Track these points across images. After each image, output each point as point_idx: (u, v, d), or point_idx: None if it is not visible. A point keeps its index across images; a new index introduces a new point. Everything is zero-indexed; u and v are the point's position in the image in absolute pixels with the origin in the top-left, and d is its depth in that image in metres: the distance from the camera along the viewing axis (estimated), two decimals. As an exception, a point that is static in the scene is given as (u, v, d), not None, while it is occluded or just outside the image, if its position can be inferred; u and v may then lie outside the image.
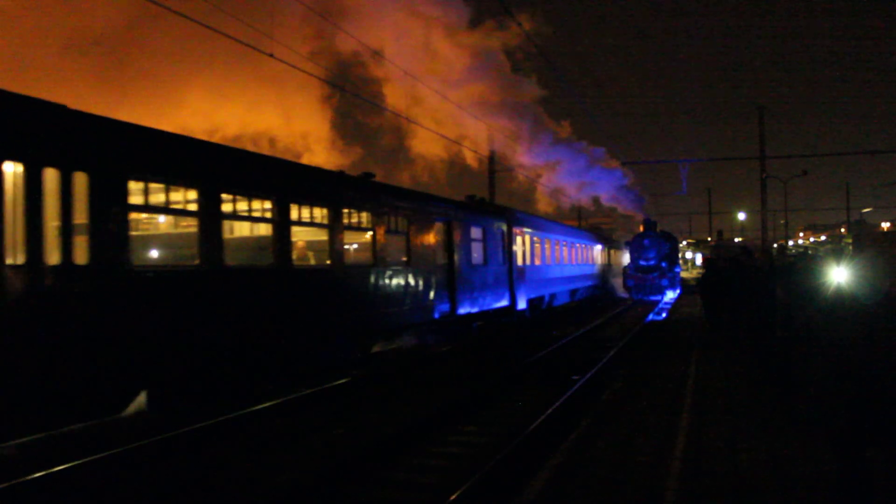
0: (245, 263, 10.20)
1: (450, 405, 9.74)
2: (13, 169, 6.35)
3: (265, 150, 20.58)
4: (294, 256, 10.21)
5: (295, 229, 10.08)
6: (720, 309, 15.71)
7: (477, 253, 16.99)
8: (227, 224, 9.11)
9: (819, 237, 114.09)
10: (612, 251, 41.26)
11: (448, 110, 25.39)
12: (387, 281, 12.37)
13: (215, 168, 8.75)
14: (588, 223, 56.32)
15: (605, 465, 5.91)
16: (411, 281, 13.23)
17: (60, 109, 6.84)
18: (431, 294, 14.05)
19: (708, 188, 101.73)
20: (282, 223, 9.68)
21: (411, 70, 21.56)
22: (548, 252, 24.36)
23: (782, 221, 71.85)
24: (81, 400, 6.80)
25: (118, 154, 7.33)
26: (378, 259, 12.07)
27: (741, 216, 72.99)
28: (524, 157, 33.65)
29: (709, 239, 58.56)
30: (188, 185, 8.37)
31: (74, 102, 7.30)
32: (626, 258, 37.95)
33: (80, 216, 6.77)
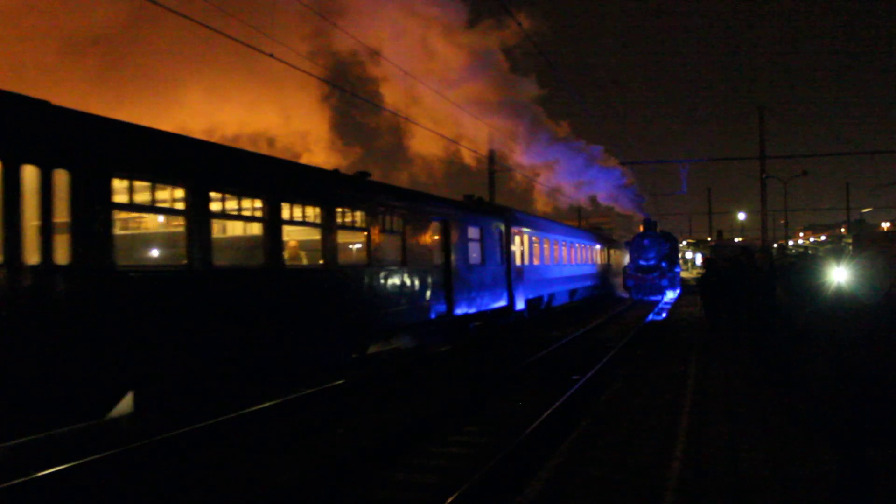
0: (235, 263, 10.07)
1: (450, 405, 9.75)
2: None
3: (265, 151, 20.54)
4: (286, 256, 10.08)
5: (287, 229, 9.95)
6: (720, 309, 15.71)
7: (474, 253, 16.89)
8: (216, 223, 8.95)
9: (819, 237, 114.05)
10: (611, 251, 41.24)
11: (446, 110, 25.39)
12: (382, 281, 12.27)
13: (203, 166, 8.58)
14: (588, 223, 56.30)
15: (605, 466, 5.91)
16: (407, 281, 13.14)
17: (40, 105, 6.68)
18: (428, 294, 13.96)
19: (708, 188, 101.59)
20: (273, 222, 9.53)
21: (409, 69, 21.54)
22: (546, 252, 24.32)
23: (782, 221, 71.86)
24: (63, 403, 6.64)
25: (102, 151, 7.17)
26: (373, 259, 11.96)
27: (741, 216, 73.14)
28: (522, 157, 33.65)
29: (709, 239, 58.57)
30: (175, 184, 8.22)
31: (73, 103, 7.24)
32: (625, 258, 37.96)
33: (62, 215, 6.62)
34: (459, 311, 15.41)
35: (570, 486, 5.42)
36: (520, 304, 19.81)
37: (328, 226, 10.76)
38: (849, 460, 4.14)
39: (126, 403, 7.42)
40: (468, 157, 31.81)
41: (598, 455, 6.23)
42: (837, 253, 11.68)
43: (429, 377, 12.56)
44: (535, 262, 22.71)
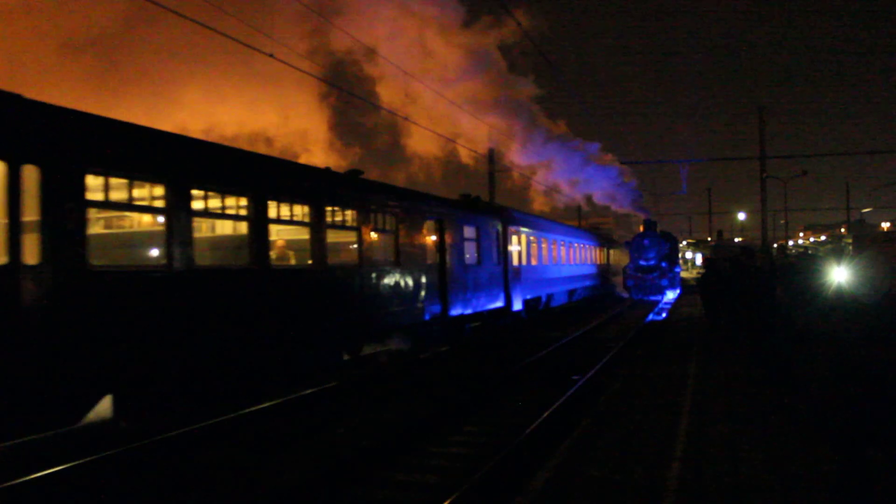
0: (218, 263, 9.87)
1: (449, 405, 9.75)
2: None
3: (264, 151, 20.53)
4: (273, 256, 9.84)
5: (274, 228, 9.69)
6: (720, 309, 15.71)
7: (470, 253, 16.71)
8: (197, 222, 8.67)
9: (819, 237, 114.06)
10: (611, 251, 41.21)
11: (445, 109, 25.38)
12: (374, 282, 12.06)
13: (184, 162, 8.29)
14: (588, 223, 56.29)
15: (605, 466, 5.91)
16: (400, 282, 12.94)
17: (9, 98, 6.39)
18: (422, 295, 13.78)
19: (708, 188, 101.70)
20: (259, 221, 9.25)
21: (407, 69, 21.53)
22: (545, 252, 24.24)
23: (782, 221, 71.99)
24: (29, 410, 6.32)
25: (75, 147, 6.87)
26: (365, 259, 11.73)
27: (741, 216, 73.05)
28: (519, 156, 33.63)
29: (709, 239, 58.55)
30: (154, 181, 7.94)
31: (72, 103, 7.18)
32: (625, 258, 37.95)
33: (31, 213, 6.36)
34: (455, 311, 15.27)
35: (570, 486, 5.42)
36: (517, 305, 19.68)
37: (318, 225, 10.49)
38: (849, 460, 4.14)
39: (105, 408, 7.11)
40: (466, 157, 31.84)
41: (598, 455, 6.23)
42: (837, 253, 11.68)
43: (428, 378, 12.56)
44: (533, 262, 22.62)
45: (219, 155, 9.33)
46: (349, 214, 11.56)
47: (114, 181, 7.40)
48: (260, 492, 6.55)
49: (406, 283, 13.14)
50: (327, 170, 12.41)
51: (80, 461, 6.84)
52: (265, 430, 8.79)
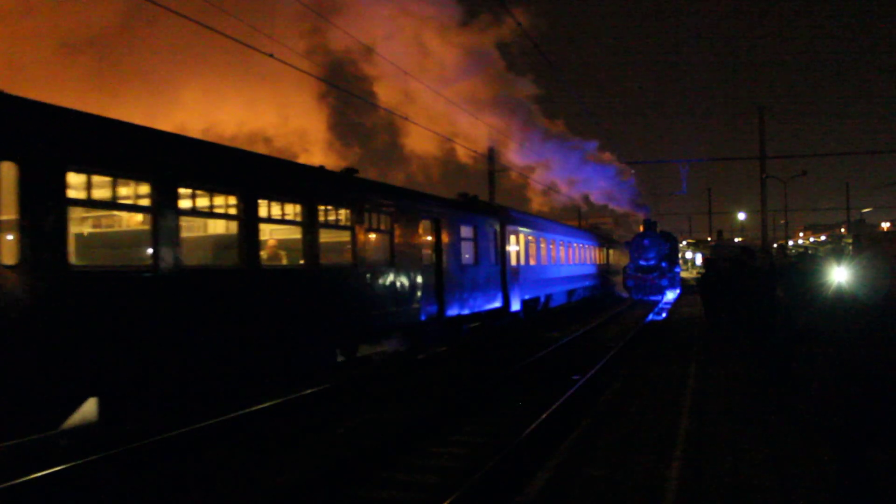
0: (206, 263, 9.72)
1: (449, 405, 9.76)
2: None
3: (262, 151, 20.50)
4: (263, 256, 9.67)
5: (264, 227, 9.52)
6: (720, 309, 15.72)
7: (467, 252, 16.58)
8: (185, 221, 8.43)
9: (819, 237, 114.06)
10: (611, 251, 41.20)
11: (443, 108, 25.35)
12: (368, 282, 11.89)
13: (171, 159, 8.08)
14: (587, 223, 56.29)
15: (605, 466, 5.91)
16: (395, 282, 12.80)
17: None
18: (418, 295, 13.64)
19: (708, 188, 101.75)
20: (248, 220, 9.04)
21: (405, 68, 21.49)
22: (543, 252, 24.17)
23: (782, 221, 71.87)
24: (11, 412, 6.15)
25: (56, 143, 6.65)
26: (359, 259, 11.55)
27: (741, 216, 73.09)
28: (518, 155, 33.60)
29: (709, 239, 58.60)
30: (139, 179, 7.74)
31: (70, 103, 7.11)
32: (625, 258, 37.94)
33: (9, 212, 6.22)
34: (451, 312, 15.14)
35: (570, 486, 5.42)
36: (515, 306, 19.58)
37: (310, 224, 10.30)
38: (849, 460, 4.14)
39: (90, 411, 6.93)
40: (465, 157, 31.79)
41: (598, 455, 6.23)
42: (837, 253, 11.67)
43: (428, 378, 12.56)
44: (532, 262, 22.55)
45: (207, 152, 9.13)
46: (343, 214, 11.38)
47: (97, 179, 7.19)
48: (260, 492, 6.56)
49: (401, 284, 13.00)
50: (321, 168, 12.24)
51: (80, 461, 6.85)
52: (265, 430, 8.79)
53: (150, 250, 7.67)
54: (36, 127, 6.55)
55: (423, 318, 13.77)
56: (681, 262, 43.49)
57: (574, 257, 29.79)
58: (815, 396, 4.43)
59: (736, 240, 69.51)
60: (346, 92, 28.23)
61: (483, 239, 17.45)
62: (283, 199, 10.07)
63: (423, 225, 14.26)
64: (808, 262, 9.55)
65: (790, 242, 78.21)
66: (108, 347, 6.95)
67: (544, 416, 8.82)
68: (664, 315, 24.31)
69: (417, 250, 13.84)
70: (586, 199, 40.70)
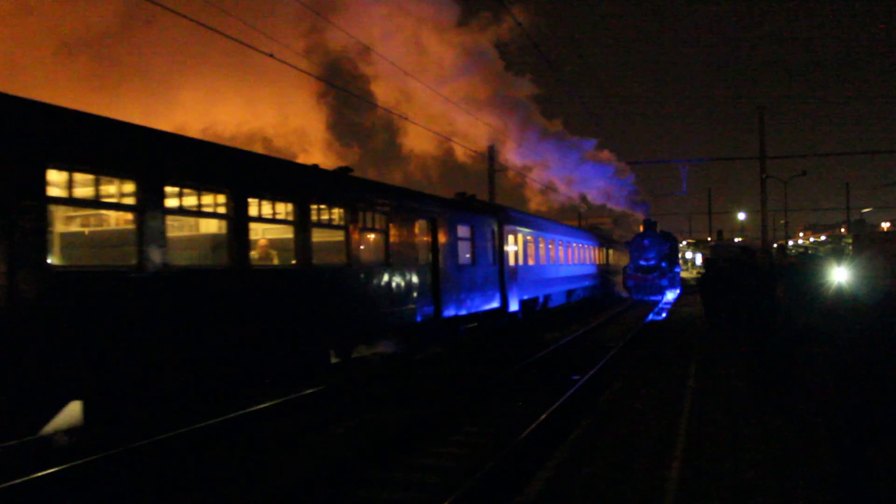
0: (195, 263, 9.58)
1: (449, 406, 9.76)
2: None
3: (261, 151, 20.48)
4: (254, 256, 9.51)
5: (254, 226, 9.33)
6: (720, 309, 15.72)
7: (465, 252, 16.43)
8: (172, 220, 8.25)
9: (819, 237, 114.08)
10: (611, 251, 41.18)
11: (441, 107, 25.32)
12: (362, 282, 11.73)
13: (157, 157, 7.87)
14: (587, 223, 56.28)
15: (605, 466, 5.91)
16: (391, 282, 12.64)
17: None
18: (414, 295, 13.47)
19: (708, 188, 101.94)
20: (238, 219, 8.85)
21: (403, 67, 21.48)
22: (542, 252, 24.11)
23: (782, 221, 71.90)
24: None
25: (35, 140, 6.44)
26: (353, 259, 11.37)
27: (741, 216, 73.09)
28: (516, 154, 33.56)
29: (709, 239, 58.60)
30: (124, 176, 7.55)
31: (70, 103, 7.06)
32: (625, 258, 37.94)
33: None
34: (448, 312, 14.99)
35: (570, 486, 5.42)
36: (513, 306, 19.48)
37: (302, 224, 10.11)
38: (849, 460, 4.15)
39: (74, 415, 6.78)
40: (463, 156, 31.75)
41: (598, 455, 6.23)
42: (837, 253, 11.68)
43: (428, 378, 12.56)
44: (531, 262, 22.48)
45: (195, 150, 8.95)
46: (337, 213, 11.17)
47: (79, 177, 7.00)
48: (260, 492, 6.55)
49: (397, 284, 12.84)
50: (314, 167, 12.08)
51: (80, 461, 6.85)
52: (265, 430, 8.79)
53: (136, 250, 7.44)
54: (13, 122, 6.33)
55: (419, 318, 13.63)
56: (681, 262, 43.49)
57: (573, 257, 29.76)
58: (815, 396, 4.43)
59: (736, 240, 69.50)
60: (345, 91, 28.26)
61: (481, 239, 17.35)
62: (274, 197, 9.89)
63: (420, 224, 14.10)
64: (808, 263, 9.55)
65: (790, 242, 78.25)
66: (91, 350, 6.76)
67: (544, 416, 8.82)
68: (664, 315, 24.32)
69: (413, 250, 13.70)
70: (584, 199, 40.62)
